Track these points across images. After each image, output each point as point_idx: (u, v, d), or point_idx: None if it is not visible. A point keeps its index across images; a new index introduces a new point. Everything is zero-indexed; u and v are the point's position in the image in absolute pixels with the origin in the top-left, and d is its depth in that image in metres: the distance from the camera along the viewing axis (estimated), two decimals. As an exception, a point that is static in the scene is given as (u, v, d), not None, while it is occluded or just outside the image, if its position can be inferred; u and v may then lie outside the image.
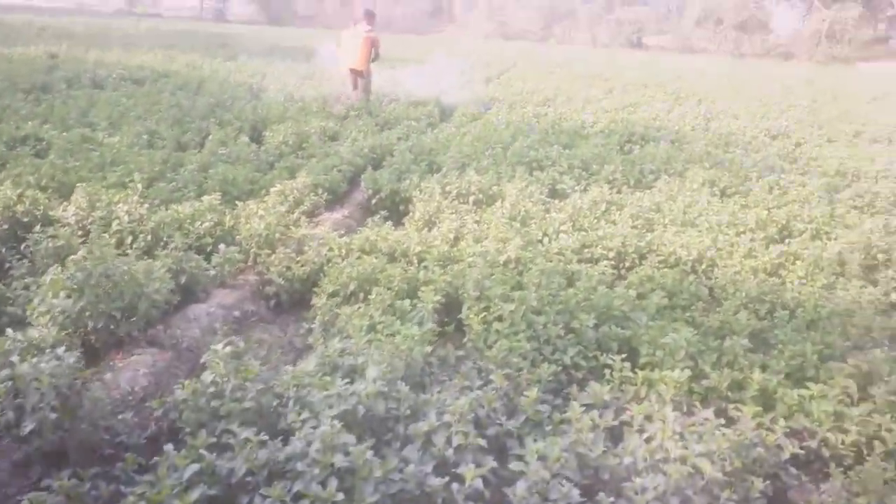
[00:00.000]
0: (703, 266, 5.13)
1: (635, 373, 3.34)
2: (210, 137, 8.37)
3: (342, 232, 6.01)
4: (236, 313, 4.32)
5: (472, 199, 6.55)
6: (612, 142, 9.94)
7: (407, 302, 4.00)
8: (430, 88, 15.79)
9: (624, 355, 3.45)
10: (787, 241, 5.90)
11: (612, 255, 5.19)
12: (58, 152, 6.43)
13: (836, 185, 8.13)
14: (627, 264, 5.21)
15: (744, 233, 6.07)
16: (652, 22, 53.76)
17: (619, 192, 7.39)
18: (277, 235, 4.97)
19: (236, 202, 5.85)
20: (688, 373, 3.28)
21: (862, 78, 30.05)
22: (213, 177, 6.36)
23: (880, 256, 5.50)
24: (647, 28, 52.72)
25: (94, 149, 6.68)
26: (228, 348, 2.98)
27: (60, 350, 2.91)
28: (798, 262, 5.30)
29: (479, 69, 21.62)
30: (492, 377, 3.18)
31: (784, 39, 49.01)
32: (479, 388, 3.12)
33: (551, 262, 5.02)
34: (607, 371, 3.38)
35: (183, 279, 4.18)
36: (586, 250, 5.29)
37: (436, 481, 2.42)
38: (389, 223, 5.81)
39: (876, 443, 2.96)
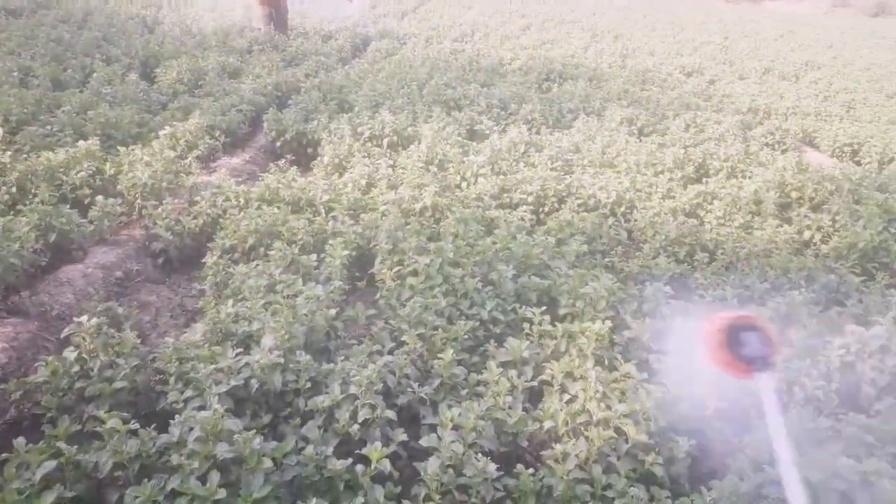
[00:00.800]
0: (622, 209, 4.99)
1: (555, 325, 3.15)
2: (94, 76, 7.52)
3: (242, 179, 5.53)
4: (118, 273, 3.85)
5: (385, 141, 6.15)
6: (530, 80, 9.66)
7: (312, 257, 3.64)
8: (341, 22, 14.95)
9: (543, 308, 3.25)
10: (704, 180, 5.86)
11: (531, 199, 4.97)
12: None
13: (748, 123, 8.19)
14: (546, 209, 5.01)
15: (662, 172, 5.98)
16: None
17: (538, 132, 7.16)
18: (165, 184, 4.44)
19: (120, 148, 5.23)
20: (608, 324, 3.12)
21: (768, 16, 30.80)
22: (94, 119, 5.66)
23: (793, 194, 5.53)
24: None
25: (-52, 88, 5.81)
26: (95, 319, 2.56)
27: None
28: (716, 202, 5.25)
29: (394, 2, 20.70)
30: (404, 338, 2.91)
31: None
32: (390, 351, 2.85)
33: (469, 208, 4.76)
34: (526, 325, 3.17)
35: (52, 237, 3.66)
36: (505, 195, 5.04)
37: (338, 464, 2.15)
38: (295, 169, 5.36)
39: (796, 388, 2.91)
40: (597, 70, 11.04)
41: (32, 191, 4.12)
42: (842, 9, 41.92)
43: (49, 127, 5.43)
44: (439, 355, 2.76)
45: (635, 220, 4.91)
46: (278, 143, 6.26)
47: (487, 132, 6.85)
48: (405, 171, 5.43)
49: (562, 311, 3.38)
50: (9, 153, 4.31)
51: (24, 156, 4.68)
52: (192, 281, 4.03)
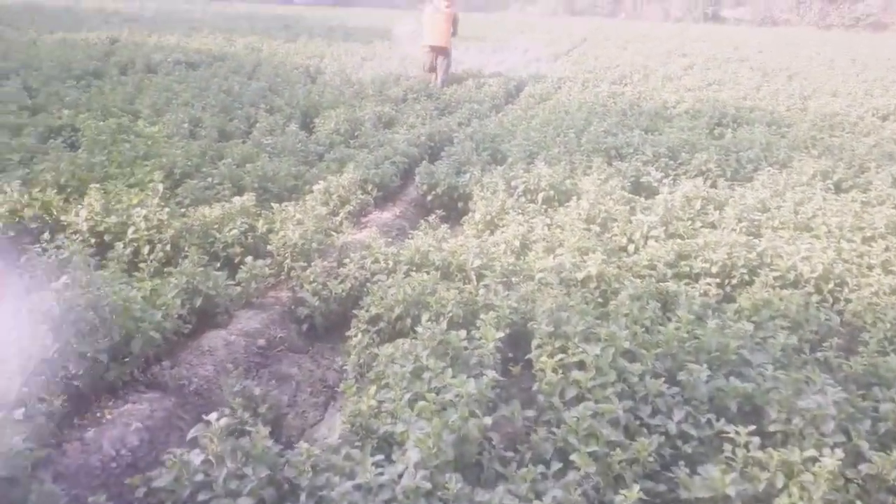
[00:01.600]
0: (830, 285, 4.13)
1: (765, 450, 2.47)
2: (257, 126, 7.78)
3: (393, 236, 5.29)
4: (261, 341, 3.65)
5: (541, 196, 5.69)
6: (700, 125, 8.85)
7: (462, 334, 3.21)
8: (494, 67, 14.89)
9: (748, 424, 2.58)
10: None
11: (715, 269, 4.26)
12: (88, 145, 5.90)
13: (975, 176, 6.85)
14: (734, 281, 4.27)
15: (872, 239, 5.00)
16: (729, -8, 50.75)
17: (714, 185, 6.39)
18: (314, 245, 4.25)
19: (276, 202, 5.19)
20: (840, 454, 2.39)
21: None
22: (252, 172, 5.71)
23: None
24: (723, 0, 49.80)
25: (127, 140, 6.13)
26: (224, 420, 2.27)
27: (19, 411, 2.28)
28: (952, 280, 4.23)
29: (547, 46, 20.49)
30: (573, 456, 2.38)
31: (874, 8, 45.39)
32: (555, 473, 2.33)
33: (641, 278, 4.15)
34: (727, 447, 2.52)
35: (198, 302, 3.53)
36: (683, 263, 4.37)
37: None
38: (446, 226, 5.03)
39: None
40: (775, 114, 9.97)
41: (186, 248, 4.08)
42: None
43: (210, 179, 5.52)
44: (622, 491, 2.19)
45: (848, 301, 4.04)
46: (429, 198, 6.01)
47: (656, 185, 6.20)
48: (563, 231, 4.93)
49: (771, 428, 2.68)
50: (167, 209, 4.33)
51: (183, 210, 4.71)
52: (336, 351, 3.76)
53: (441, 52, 11.73)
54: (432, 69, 11.92)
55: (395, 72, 12.94)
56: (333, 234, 4.62)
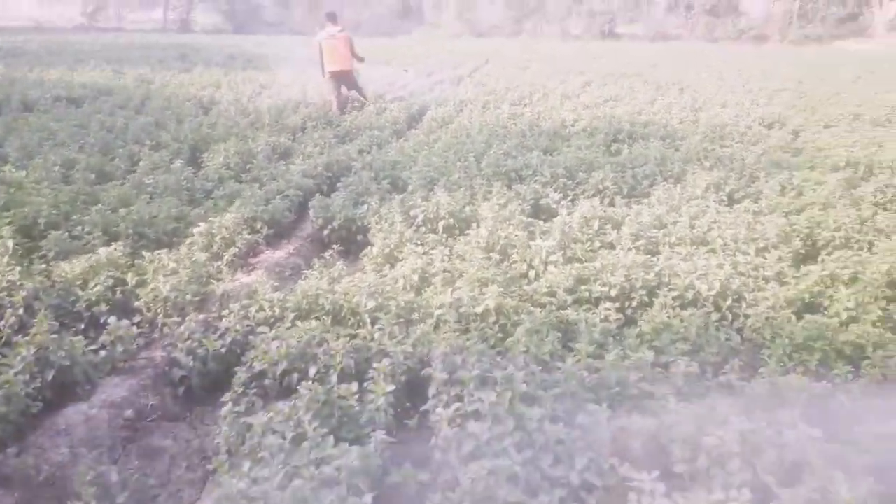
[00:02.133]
0: (728, 302, 4.13)
1: (671, 496, 2.33)
2: (141, 164, 7.27)
3: (285, 277, 4.97)
4: (129, 412, 3.25)
5: (441, 224, 5.52)
6: (596, 142, 8.97)
7: (353, 387, 2.95)
8: (397, 91, 14.78)
9: (655, 467, 2.43)
10: (820, 257, 4.93)
11: (614, 292, 4.18)
12: (-63, 196, 5.30)
13: (852, 181, 7.20)
14: (635, 303, 4.20)
15: (766, 249, 5.09)
16: (623, 11, 53.20)
17: (611, 203, 6.40)
18: (189, 296, 3.88)
19: (155, 248, 4.77)
20: (747, 494, 2.28)
21: (840, 57, 29.43)
22: (127, 217, 5.26)
23: (937, 273, 4.54)
24: (618, 17, 52.09)
25: (-16, 189, 5.55)
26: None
27: None
28: (841, 288, 4.32)
29: (450, 68, 20.63)
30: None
31: (756, 21, 48.64)
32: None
33: (540, 307, 4.01)
34: (633, 497, 2.36)
35: (51, 374, 3.11)
36: (583, 287, 4.27)
37: None
38: (341, 264, 4.76)
39: None
40: (668, 127, 10.26)
41: (42, 311, 3.62)
42: (916, 42, 40.06)
43: (81, 228, 5.03)
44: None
45: (746, 317, 4.04)
46: (325, 232, 5.72)
47: (555, 206, 6.14)
48: (464, 260, 4.76)
49: (677, 469, 2.55)
50: (18, 268, 3.85)
51: (44, 265, 4.24)
52: (217, 416, 3.40)
53: (345, 76, 11.55)
54: (338, 96, 11.64)
55: (295, 99, 12.58)
56: (213, 281, 4.25)
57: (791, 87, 16.21)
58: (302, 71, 17.95)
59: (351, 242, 5.70)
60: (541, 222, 5.57)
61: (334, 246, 5.30)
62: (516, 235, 5.06)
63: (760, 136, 9.93)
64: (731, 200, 6.56)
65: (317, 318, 3.72)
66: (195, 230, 4.96)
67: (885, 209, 6.53)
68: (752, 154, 8.33)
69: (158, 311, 3.85)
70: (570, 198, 6.47)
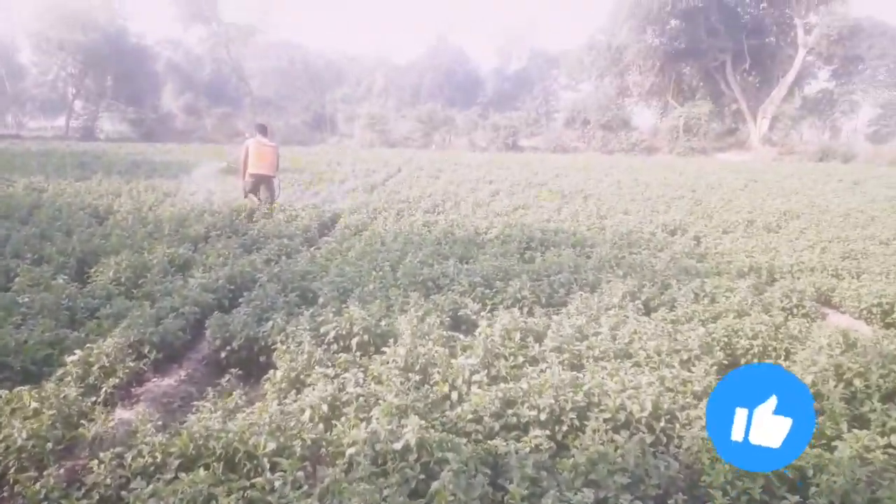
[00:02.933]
0: (662, 423, 3.89)
1: None
2: (17, 280, 6.52)
3: (174, 409, 4.37)
4: None
5: (355, 341, 5.11)
6: (510, 250, 8.94)
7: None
8: (309, 198, 14.55)
9: None
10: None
11: (543, 416, 3.86)
12: None
13: (759, 287, 7.39)
14: (565, 427, 3.89)
15: (689, 361, 4.98)
16: (524, 125, 56.41)
17: (531, 312, 6.22)
18: (50, 444, 3.26)
19: (20, 382, 4.09)
20: None
21: (723, 167, 31.95)
22: (-12, 345, 4.55)
23: (856, 382, 4.52)
24: (520, 131, 55.11)
25: None
26: None
27: None
28: (771, 401, 4.19)
29: (363, 176, 20.74)
30: None
31: (646, 135, 52.69)
32: None
33: (466, 436, 3.63)
34: None
35: None
36: (510, 412, 3.93)
37: None
38: (238, 393, 4.24)
39: None
40: (577, 234, 10.45)
41: None
42: (788, 156, 44.38)
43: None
44: None
45: (681, 438, 3.80)
46: (223, 354, 5.17)
47: (474, 318, 5.88)
48: (380, 383, 4.35)
49: None
50: None
51: None
52: None
53: (266, 181, 12.18)
54: (258, 195, 12.21)
55: (200, 207, 12.07)
56: (84, 423, 3.62)
57: (686, 196, 17.19)
58: (208, 179, 17.56)
59: (253, 364, 5.17)
60: (461, 336, 5.27)
61: (232, 370, 4.76)
62: (437, 352, 4.72)
63: (665, 242, 10.24)
64: (648, 309, 6.53)
65: (206, 466, 3.17)
66: (69, 359, 4.32)
67: (792, 314, 6.68)
68: (661, 261, 8.51)
69: (11, 464, 3.19)
70: (489, 308, 6.25)
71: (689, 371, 4.61)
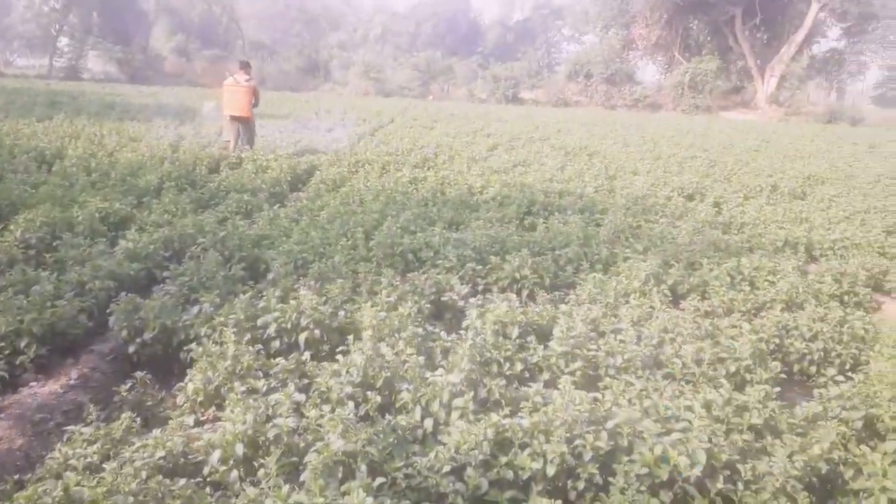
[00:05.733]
0: (719, 484, 2.73)
1: None
2: None
3: (46, 432, 3.20)
4: None
5: (303, 338, 3.92)
6: (508, 214, 7.70)
7: None
8: (288, 147, 13.17)
9: None
10: (817, 391, 3.69)
11: (551, 470, 2.70)
12: None
13: (801, 268, 6.22)
14: (580, 485, 2.74)
15: (738, 375, 3.82)
16: (526, 77, 54.49)
17: (531, 298, 5.04)
18: None
19: None
20: None
21: (730, 126, 30.49)
22: None
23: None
24: (521, 83, 53.24)
25: None
26: None
27: None
28: (866, 450, 3.04)
29: (352, 125, 19.29)
30: None
31: (650, 91, 50.97)
32: None
33: (442, 499, 2.48)
34: None
35: None
36: (504, 462, 2.76)
37: None
38: (129, 416, 3.06)
39: None
40: (584, 197, 9.19)
41: None
42: (794, 116, 42.83)
43: None
44: None
45: (741, 493, 2.66)
46: (131, 348, 3.96)
47: (461, 304, 4.70)
48: (326, 404, 3.18)
49: None
50: None
51: None
52: None
53: (242, 121, 11.84)
54: (236, 137, 11.88)
55: (161, 154, 10.71)
56: None
57: (699, 156, 15.90)
58: (182, 123, 16.12)
59: (172, 361, 3.99)
60: (443, 333, 4.07)
61: (138, 373, 3.58)
62: (407, 361, 3.53)
63: (684, 209, 9.01)
64: (675, 295, 5.36)
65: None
66: None
67: (843, 303, 5.52)
68: (683, 232, 7.30)
69: None
70: (480, 289, 5.06)
71: (743, 393, 3.44)
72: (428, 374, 3.36)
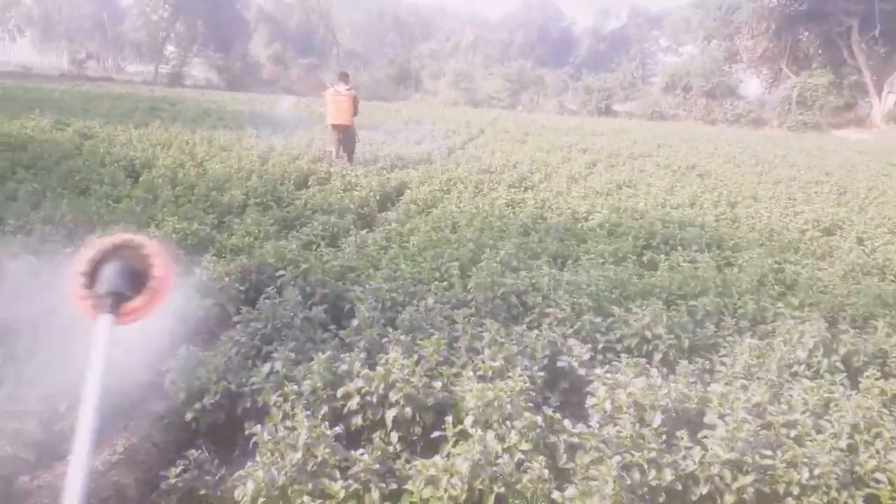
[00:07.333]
0: None
1: None
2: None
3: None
4: None
5: (390, 416, 3.15)
6: (623, 247, 6.73)
7: None
8: (376, 161, 12.66)
9: None
10: None
11: None
12: None
13: None
14: None
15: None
16: (619, 88, 52.80)
17: (670, 368, 4.09)
18: None
19: None
20: None
21: (847, 146, 27.98)
22: None
23: None
24: (615, 94, 51.61)
25: None
26: None
27: None
28: None
29: (442, 137, 18.68)
30: None
31: (753, 105, 48.22)
32: None
33: None
34: None
35: None
36: None
37: None
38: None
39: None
40: (707, 227, 8.09)
41: None
42: (915, 135, 39.14)
43: None
44: None
45: None
46: (189, 416, 3.31)
47: (582, 374, 3.81)
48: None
49: None
50: None
51: None
52: None
53: (343, 130, 12.13)
54: (337, 146, 12.22)
55: (248, 167, 10.36)
56: None
57: (822, 180, 14.30)
58: (273, 132, 15.94)
59: (236, 431, 3.31)
60: (567, 425, 3.18)
61: (192, 452, 2.91)
62: (524, 467, 2.68)
63: (826, 248, 7.74)
64: (849, 368, 4.26)
65: None
66: None
67: None
68: (835, 278, 6.12)
69: None
70: (601, 356, 4.16)
71: None
72: (556, 495, 2.51)
